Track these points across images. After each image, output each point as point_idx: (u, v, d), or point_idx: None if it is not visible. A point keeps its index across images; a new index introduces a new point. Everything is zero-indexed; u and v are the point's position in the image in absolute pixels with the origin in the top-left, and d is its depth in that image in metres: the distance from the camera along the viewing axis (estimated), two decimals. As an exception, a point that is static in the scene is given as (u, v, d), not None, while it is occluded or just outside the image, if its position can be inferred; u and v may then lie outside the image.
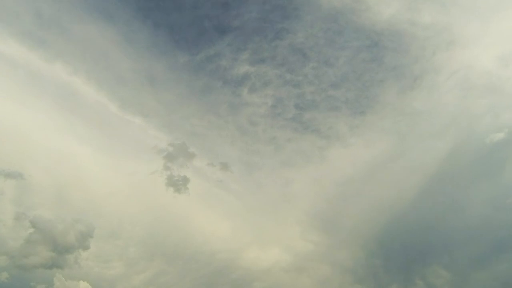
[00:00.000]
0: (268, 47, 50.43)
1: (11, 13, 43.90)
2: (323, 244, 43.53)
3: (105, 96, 48.52)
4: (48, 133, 43.25)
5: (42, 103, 43.94)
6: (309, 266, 40.69)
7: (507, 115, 43.12)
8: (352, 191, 47.49)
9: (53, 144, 42.99)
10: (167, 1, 50.57)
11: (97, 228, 37.78)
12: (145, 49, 51.03)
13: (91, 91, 47.89)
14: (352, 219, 44.09)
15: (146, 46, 50.82)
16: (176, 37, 51.87)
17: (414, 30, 46.55)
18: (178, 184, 46.02)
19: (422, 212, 41.53)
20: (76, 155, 44.31)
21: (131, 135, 49.95)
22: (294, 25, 49.37)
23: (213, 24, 51.04)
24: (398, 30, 46.50)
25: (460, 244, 36.92)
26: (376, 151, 48.74)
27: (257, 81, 51.37)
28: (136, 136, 49.98)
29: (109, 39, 48.85)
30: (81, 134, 45.54)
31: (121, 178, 46.01)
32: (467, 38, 45.74)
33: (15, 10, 43.95)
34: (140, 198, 45.45)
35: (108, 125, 49.23)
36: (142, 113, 50.57)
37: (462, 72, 46.56)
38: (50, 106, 44.49)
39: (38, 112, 42.87)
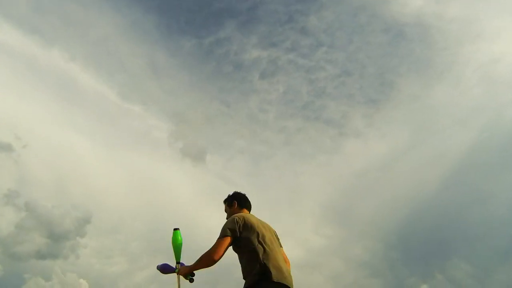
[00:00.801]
0: (281, 30, 48.14)
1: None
2: (337, 238, 41.85)
3: (104, 84, 46.61)
4: (45, 122, 41.43)
5: (38, 91, 42.00)
6: (322, 261, 39.04)
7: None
8: (368, 182, 45.76)
9: (50, 134, 41.21)
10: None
11: (97, 224, 35.83)
12: (147, 33, 48.76)
13: (89, 78, 46.06)
14: (368, 212, 42.48)
15: (148, 30, 48.53)
16: (182, 19, 49.45)
17: (440, 22, 45.52)
18: (194, 153, 42.19)
19: (443, 203, 40.17)
20: (75, 146, 42.50)
21: (132, 124, 48.18)
22: (309, 7, 47.10)
23: (223, 6, 48.62)
24: (422, 22, 45.30)
25: (482, 237, 35.55)
26: (393, 141, 46.85)
27: (269, 66, 49.23)
28: (136, 125, 48.22)
29: (109, 23, 46.63)
30: (79, 123, 43.67)
31: (121, 169, 44.24)
32: (494, 31, 44.62)
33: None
34: (142, 191, 43.64)
35: (108, 113, 47.54)
36: (143, 101, 48.63)
37: (488, 65, 45.57)
38: (46, 94, 42.56)
39: (33, 100, 40.95)
